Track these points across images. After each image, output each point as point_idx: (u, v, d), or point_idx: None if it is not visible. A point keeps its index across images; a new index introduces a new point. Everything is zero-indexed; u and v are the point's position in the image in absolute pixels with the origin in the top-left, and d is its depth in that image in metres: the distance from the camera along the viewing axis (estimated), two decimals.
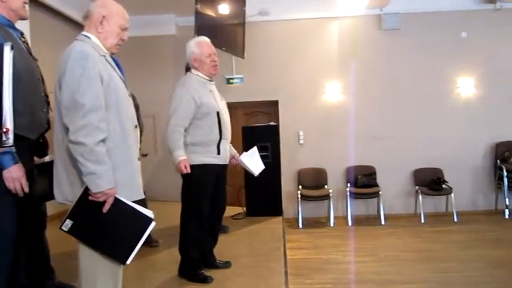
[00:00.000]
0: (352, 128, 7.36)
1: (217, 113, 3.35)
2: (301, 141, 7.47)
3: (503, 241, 5.67)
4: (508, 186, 7.09)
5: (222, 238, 4.30)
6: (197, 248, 3.39)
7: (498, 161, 7.25)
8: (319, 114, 7.43)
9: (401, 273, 4.79)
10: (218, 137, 3.35)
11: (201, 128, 3.30)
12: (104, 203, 2.06)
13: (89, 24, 2.23)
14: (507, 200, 7.09)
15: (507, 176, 7.05)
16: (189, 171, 3.22)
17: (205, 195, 3.34)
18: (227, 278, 3.44)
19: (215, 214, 3.53)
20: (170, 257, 3.76)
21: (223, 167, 3.47)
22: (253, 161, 3.94)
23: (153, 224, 2.17)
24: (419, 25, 7.36)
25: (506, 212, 7.06)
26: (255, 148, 4.08)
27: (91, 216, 2.09)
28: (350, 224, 7.05)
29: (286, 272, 3.60)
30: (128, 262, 2.13)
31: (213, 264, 3.59)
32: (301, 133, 7.45)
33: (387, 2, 7.05)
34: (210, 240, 3.58)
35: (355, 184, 7.20)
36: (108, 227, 2.11)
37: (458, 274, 4.70)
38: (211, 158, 3.33)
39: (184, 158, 3.22)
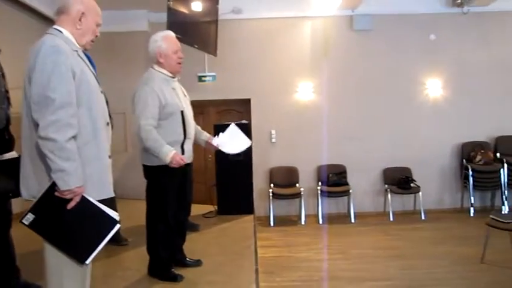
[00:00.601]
0: (324, 127, 7.42)
1: (182, 112, 3.26)
2: (273, 140, 7.50)
3: (468, 238, 5.82)
4: (473, 185, 7.29)
5: (193, 236, 4.30)
6: (165, 248, 3.34)
7: (464, 160, 7.44)
8: (292, 113, 7.48)
9: (370, 270, 4.86)
10: (182, 137, 3.27)
11: (164, 128, 3.19)
12: (69, 200, 2.03)
13: (65, 20, 2.17)
14: (472, 198, 7.29)
15: (472, 176, 7.25)
16: (186, 161, 3.18)
17: (170, 196, 3.29)
18: (197, 277, 3.42)
19: (182, 212, 3.50)
20: (140, 255, 3.71)
21: (187, 166, 3.42)
22: (232, 141, 3.64)
23: (117, 226, 2.14)
24: (390, 27, 7.49)
25: (471, 210, 7.26)
26: (231, 126, 3.74)
27: (54, 212, 2.05)
28: (321, 222, 7.11)
29: (257, 270, 3.60)
30: (87, 262, 2.10)
31: (184, 262, 3.56)
32: (273, 132, 7.48)
33: (359, 3, 7.14)
34: (178, 239, 3.53)
35: (326, 183, 7.27)
36: (71, 225, 2.07)
37: (425, 271, 4.81)
38: None
39: (175, 152, 3.14)
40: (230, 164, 5.17)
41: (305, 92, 7.48)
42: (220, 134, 3.66)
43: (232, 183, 5.42)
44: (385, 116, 7.52)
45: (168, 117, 3.20)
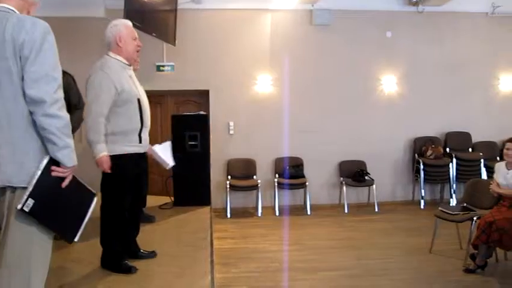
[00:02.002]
0: (282, 120, 7.48)
1: (138, 100, 3.19)
2: (231, 132, 7.49)
3: (419, 230, 6.04)
4: (424, 178, 7.56)
5: (147, 228, 4.24)
6: (119, 239, 3.28)
7: (416, 155, 7.69)
8: (250, 105, 7.49)
9: (325, 261, 4.96)
10: (139, 125, 3.20)
11: (121, 116, 3.11)
12: (62, 179, 2.04)
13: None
14: (423, 191, 7.57)
15: (423, 169, 7.51)
16: (110, 171, 3.07)
17: (127, 186, 3.22)
18: (151, 268, 3.38)
19: (136, 203, 3.44)
20: (92, 248, 3.62)
21: (144, 155, 3.37)
22: (165, 154, 3.91)
23: (95, 199, 2.19)
24: (349, 22, 7.60)
25: (422, 202, 7.54)
26: (168, 143, 4.08)
27: (51, 193, 2.02)
28: (277, 214, 7.18)
29: (212, 262, 3.59)
30: (76, 240, 2.13)
31: (137, 254, 3.50)
32: (231, 123, 7.47)
33: None
34: (132, 230, 3.48)
35: (284, 175, 7.34)
36: (63, 204, 2.08)
37: (378, 260, 4.96)
38: (133, 147, 3.20)
39: (105, 155, 3.04)
40: (187, 155, 5.12)
41: (264, 84, 7.50)
42: (157, 145, 3.87)
43: (189, 174, 5.35)
44: (342, 110, 7.66)
45: (124, 104, 3.11)
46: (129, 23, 3.31)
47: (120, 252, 3.31)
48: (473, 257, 4.57)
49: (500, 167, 4.67)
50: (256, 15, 7.49)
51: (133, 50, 3.24)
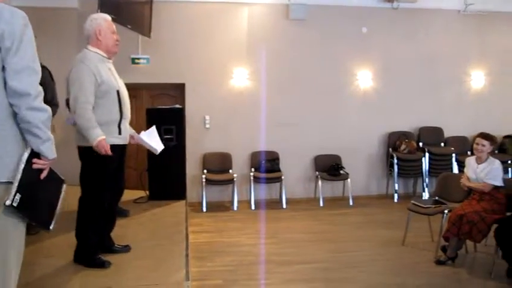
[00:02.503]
0: (258, 113, 7.49)
1: (117, 92, 3.24)
2: (207, 126, 7.45)
3: (391, 222, 6.14)
4: (398, 172, 7.69)
5: (122, 222, 4.20)
6: (96, 233, 3.27)
7: (390, 149, 7.81)
8: (226, 99, 7.46)
9: (300, 254, 5.00)
10: (119, 116, 3.25)
11: (101, 107, 3.16)
12: (41, 170, 2.05)
13: None
14: (396, 185, 7.69)
15: (397, 164, 7.64)
16: (110, 153, 3.11)
17: (107, 178, 3.22)
18: (126, 262, 3.35)
19: (113, 197, 3.43)
20: (65, 242, 3.58)
21: (123, 148, 3.37)
22: (153, 140, 3.88)
23: (65, 185, 2.23)
24: (325, 17, 7.65)
25: (395, 196, 7.66)
26: (153, 128, 4.00)
27: (32, 186, 2.03)
28: (253, 208, 7.20)
29: (187, 255, 3.59)
30: (51, 228, 2.15)
31: (111, 248, 3.48)
32: (207, 117, 7.43)
33: None
34: (108, 224, 3.45)
35: (259, 169, 7.36)
36: (43, 194, 2.10)
37: (352, 253, 5.02)
38: (113, 138, 3.22)
39: (103, 138, 3.09)
40: (163, 149, 5.08)
41: (240, 78, 7.48)
42: (142, 132, 3.84)
43: (164, 168, 5.34)
44: (318, 104, 7.70)
45: (103, 95, 3.16)
46: (108, 17, 3.37)
47: (95, 246, 3.29)
48: (444, 249, 4.68)
49: (470, 161, 4.78)
50: (232, 8, 7.45)
51: (112, 44, 3.30)
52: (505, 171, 6.95)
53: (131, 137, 3.60)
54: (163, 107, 5.98)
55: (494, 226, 4.27)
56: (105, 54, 3.28)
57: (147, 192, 5.51)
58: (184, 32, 7.29)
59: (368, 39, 7.81)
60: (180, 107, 5.98)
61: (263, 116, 7.47)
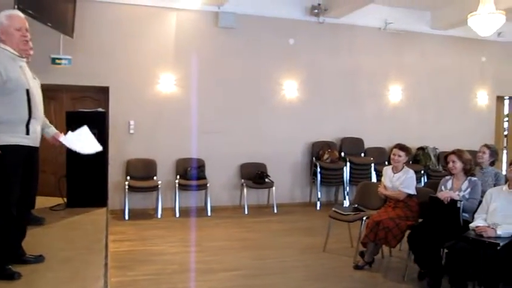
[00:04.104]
0: (184, 120, 7.42)
1: (27, 91, 3.10)
2: (132, 131, 7.25)
3: (313, 230, 6.31)
4: (321, 181, 7.93)
5: (36, 231, 3.98)
6: (4, 241, 3.04)
7: (314, 158, 8.04)
8: (152, 104, 7.32)
9: (223, 262, 4.98)
10: (27, 116, 3.09)
11: (6, 105, 3.01)
12: None
13: None
14: (319, 193, 7.93)
15: (320, 172, 7.88)
16: (32, 144, 3.00)
17: (13, 180, 3.03)
18: (38, 274, 3.16)
19: (24, 203, 3.22)
20: None
21: (34, 150, 3.19)
22: (82, 141, 3.61)
23: None
24: (254, 27, 7.76)
25: (318, 204, 7.89)
26: (84, 127, 3.72)
27: None
28: (178, 215, 7.09)
29: (106, 265, 3.46)
30: None
31: (22, 259, 3.27)
32: (132, 122, 7.23)
33: (225, 1, 7.26)
34: (17, 233, 3.23)
35: (185, 176, 7.27)
36: None
37: (274, 260, 5.08)
38: (19, 138, 3.06)
39: None
40: (82, 154, 4.88)
41: (167, 84, 7.37)
42: (70, 132, 3.59)
43: (84, 174, 5.13)
44: (244, 113, 7.78)
45: (10, 93, 3.01)
46: (15, 13, 3.25)
47: (4, 256, 3.06)
48: (362, 254, 4.87)
49: (387, 170, 5.03)
50: (161, 13, 7.34)
51: (18, 41, 3.16)
52: (418, 181, 7.38)
53: (54, 138, 3.43)
54: (85, 110, 5.76)
55: (408, 232, 4.52)
56: (15, 52, 3.14)
57: (65, 199, 5.25)
58: (110, 34, 7.07)
59: (295, 51, 8.02)
60: (103, 110, 5.78)
61: (189, 123, 7.40)
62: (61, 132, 3.57)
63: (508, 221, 3.74)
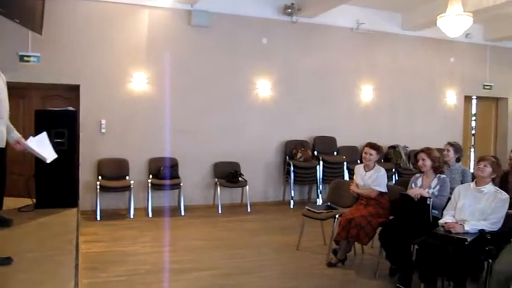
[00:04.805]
0: (157, 119, 7.35)
1: None
2: (103, 130, 7.13)
3: (287, 228, 6.35)
4: (294, 180, 7.97)
5: (3, 232, 3.88)
6: None
7: (287, 157, 8.08)
8: (124, 103, 7.22)
9: (196, 261, 4.96)
10: None
11: None
12: None
13: None
14: (292, 192, 7.98)
15: (294, 171, 7.92)
16: None
17: None
18: (7, 276, 3.07)
19: None
20: None
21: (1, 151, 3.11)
22: (43, 147, 3.60)
23: None
24: (227, 26, 7.74)
25: (291, 202, 7.94)
26: (44, 134, 3.77)
27: None
28: (150, 215, 7.01)
29: (77, 266, 3.38)
30: None
31: None
32: (103, 121, 7.11)
33: None
34: None
35: (158, 175, 7.20)
36: None
37: (248, 259, 5.10)
38: None
39: None
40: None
41: (139, 82, 7.29)
42: (31, 137, 3.60)
43: (54, 174, 4.98)
44: (218, 111, 7.75)
45: None
46: None
47: None
48: (335, 251, 4.93)
49: (359, 169, 5.10)
50: (132, 10, 7.24)
51: None
52: (389, 179, 7.49)
53: (17, 142, 3.34)
54: (54, 109, 5.63)
55: (379, 229, 4.60)
56: None
57: (34, 199, 5.12)
58: (81, 31, 6.94)
59: (268, 50, 8.04)
60: (73, 109, 5.65)
61: (162, 122, 7.33)
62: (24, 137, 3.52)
63: (475, 217, 3.85)
